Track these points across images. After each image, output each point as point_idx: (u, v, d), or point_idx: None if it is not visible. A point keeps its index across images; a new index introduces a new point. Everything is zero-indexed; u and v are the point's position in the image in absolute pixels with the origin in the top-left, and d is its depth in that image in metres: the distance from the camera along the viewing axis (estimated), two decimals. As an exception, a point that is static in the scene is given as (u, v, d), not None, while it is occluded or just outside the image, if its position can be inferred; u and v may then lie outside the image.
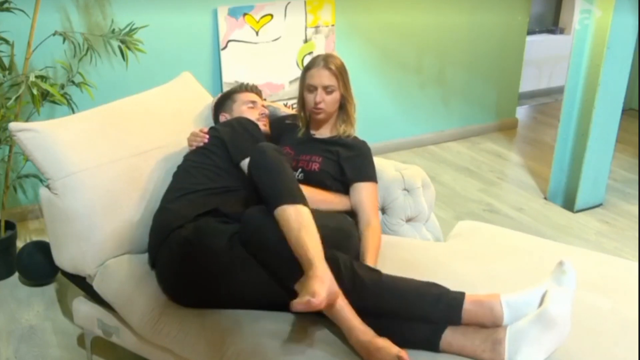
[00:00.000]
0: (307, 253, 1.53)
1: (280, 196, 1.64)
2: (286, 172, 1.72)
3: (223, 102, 2.28)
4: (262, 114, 2.23)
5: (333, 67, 2.06)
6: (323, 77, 2.06)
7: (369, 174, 2.10)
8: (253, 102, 2.24)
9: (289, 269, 1.58)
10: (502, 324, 1.50)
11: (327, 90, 2.07)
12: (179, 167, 2.05)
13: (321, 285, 1.45)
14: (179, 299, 1.76)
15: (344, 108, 2.14)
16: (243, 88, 2.31)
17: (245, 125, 2.07)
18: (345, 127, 2.15)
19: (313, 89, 2.08)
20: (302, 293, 1.46)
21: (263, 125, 2.20)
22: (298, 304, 1.43)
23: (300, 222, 1.59)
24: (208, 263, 1.69)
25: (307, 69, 2.11)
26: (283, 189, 1.66)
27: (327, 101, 2.08)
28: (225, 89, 3.51)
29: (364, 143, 2.17)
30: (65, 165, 1.91)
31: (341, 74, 2.08)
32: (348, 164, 2.09)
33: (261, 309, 1.69)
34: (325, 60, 2.08)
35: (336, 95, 2.09)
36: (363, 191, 2.05)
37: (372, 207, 2.04)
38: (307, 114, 2.15)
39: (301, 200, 1.66)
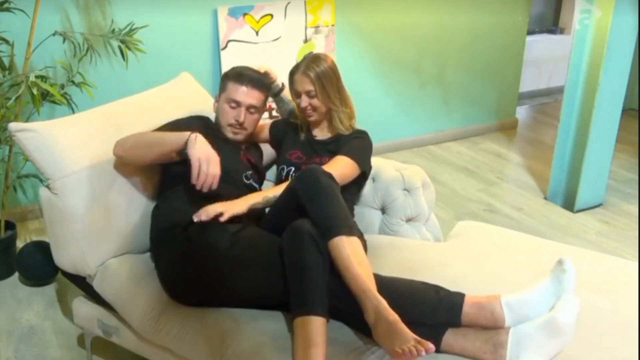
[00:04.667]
0: (369, 289, 1.52)
1: (338, 226, 1.61)
2: (340, 200, 1.70)
3: (222, 81, 2.14)
4: (238, 121, 2.05)
5: (311, 74, 2.06)
6: (303, 83, 2.08)
7: (345, 149, 2.07)
8: (237, 102, 2.06)
9: (304, 302, 1.53)
10: (504, 326, 1.50)
11: (310, 95, 2.09)
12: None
13: (408, 329, 1.44)
14: (179, 298, 1.76)
15: (331, 114, 2.14)
16: (240, 79, 2.07)
17: (185, 121, 2.05)
18: (341, 127, 2.15)
19: (298, 94, 2.11)
20: (399, 341, 1.42)
21: (232, 134, 2.08)
22: (403, 354, 1.39)
23: (357, 255, 1.58)
24: (209, 262, 1.70)
25: (291, 74, 2.13)
26: (340, 218, 1.64)
27: (314, 104, 2.10)
28: (225, 89, 3.51)
29: (362, 131, 2.17)
30: (64, 165, 1.91)
31: (320, 79, 2.06)
32: (339, 148, 2.10)
33: (260, 309, 1.69)
34: (307, 65, 2.08)
35: (318, 101, 2.10)
36: (332, 160, 2.02)
37: (330, 170, 1.82)
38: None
39: (356, 231, 1.66)
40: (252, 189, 2.06)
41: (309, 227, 1.60)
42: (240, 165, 2.07)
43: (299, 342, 1.49)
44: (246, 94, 2.05)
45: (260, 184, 2.21)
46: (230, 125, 2.08)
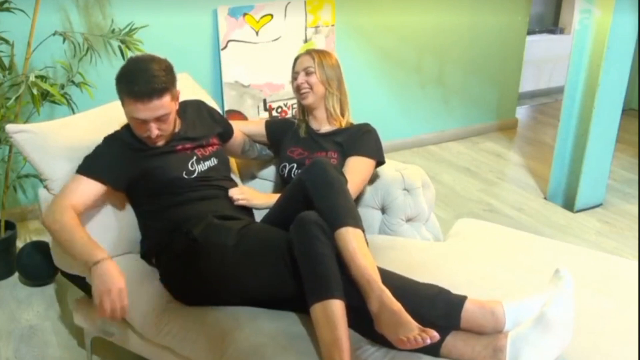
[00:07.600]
0: (374, 279, 1.53)
1: (345, 217, 1.64)
2: (347, 193, 1.72)
3: (116, 87, 1.89)
4: (151, 137, 1.86)
5: (314, 54, 2.15)
6: (303, 61, 2.16)
7: (360, 148, 2.10)
8: (142, 120, 1.82)
9: (321, 287, 1.53)
10: (503, 330, 1.49)
11: (307, 71, 2.14)
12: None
13: (411, 318, 1.45)
14: (184, 298, 1.77)
15: (326, 99, 2.16)
16: (133, 95, 1.79)
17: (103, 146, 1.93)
18: (334, 113, 2.17)
19: (296, 75, 2.16)
20: (403, 330, 1.43)
21: (152, 143, 1.90)
22: (408, 342, 1.40)
23: (362, 247, 1.61)
24: (217, 260, 1.70)
25: (295, 59, 2.20)
26: (347, 210, 1.66)
27: (310, 82, 2.13)
28: (226, 89, 3.51)
29: (366, 124, 2.19)
30: (62, 167, 1.91)
31: (320, 59, 2.14)
32: (348, 144, 2.12)
33: (267, 306, 1.69)
34: (312, 49, 2.19)
35: (315, 78, 2.13)
36: (349, 163, 2.04)
37: (353, 178, 1.93)
38: (304, 108, 2.20)
39: (360, 223, 1.67)
40: (203, 177, 1.95)
41: (315, 217, 1.61)
42: (179, 168, 1.93)
43: (323, 326, 1.48)
44: (148, 110, 1.80)
45: (216, 154, 2.04)
46: (146, 138, 1.89)
